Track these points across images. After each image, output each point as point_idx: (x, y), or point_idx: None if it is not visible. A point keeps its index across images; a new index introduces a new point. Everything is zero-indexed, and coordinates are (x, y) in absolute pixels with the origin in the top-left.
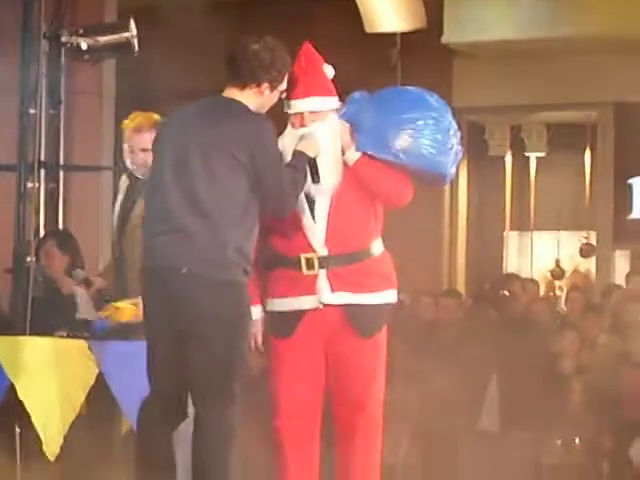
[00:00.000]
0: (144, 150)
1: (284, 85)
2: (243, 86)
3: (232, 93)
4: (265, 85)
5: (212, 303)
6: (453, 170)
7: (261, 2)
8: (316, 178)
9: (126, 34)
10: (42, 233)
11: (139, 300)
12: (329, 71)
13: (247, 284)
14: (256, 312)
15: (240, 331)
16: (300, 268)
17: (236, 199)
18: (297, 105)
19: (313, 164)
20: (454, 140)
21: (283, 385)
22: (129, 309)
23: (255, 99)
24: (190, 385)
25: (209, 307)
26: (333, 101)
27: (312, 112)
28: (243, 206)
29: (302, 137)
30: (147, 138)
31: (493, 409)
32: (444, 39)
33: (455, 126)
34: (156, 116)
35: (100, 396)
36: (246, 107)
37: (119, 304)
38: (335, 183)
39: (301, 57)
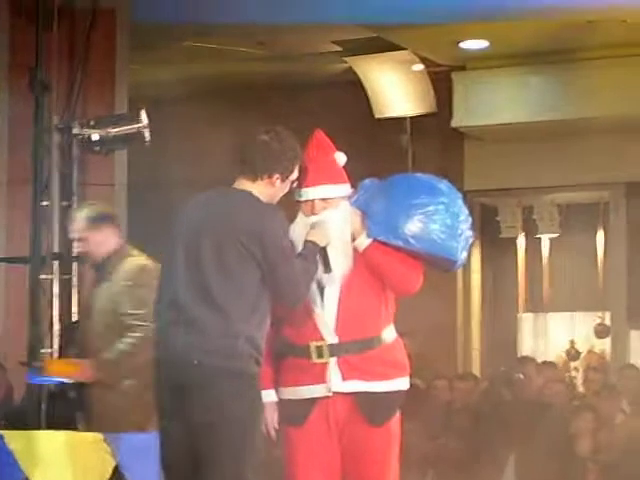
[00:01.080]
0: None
1: (295, 175)
2: (254, 178)
3: (243, 184)
4: (276, 176)
5: (224, 394)
6: (464, 255)
7: (269, 89)
8: (327, 268)
9: (137, 125)
10: (56, 324)
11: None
12: (340, 158)
13: (259, 374)
14: (269, 395)
15: (252, 422)
16: (310, 356)
17: (247, 291)
18: (308, 193)
19: (324, 254)
20: (464, 225)
21: (299, 473)
22: (59, 365)
23: (266, 190)
24: (204, 477)
25: (221, 398)
26: (344, 188)
27: (323, 199)
28: (254, 297)
29: (313, 225)
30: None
31: None
32: (454, 123)
33: (466, 211)
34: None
35: None
36: (257, 198)
37: (54, 359)
38: (345, 270)
39: (312, 145)
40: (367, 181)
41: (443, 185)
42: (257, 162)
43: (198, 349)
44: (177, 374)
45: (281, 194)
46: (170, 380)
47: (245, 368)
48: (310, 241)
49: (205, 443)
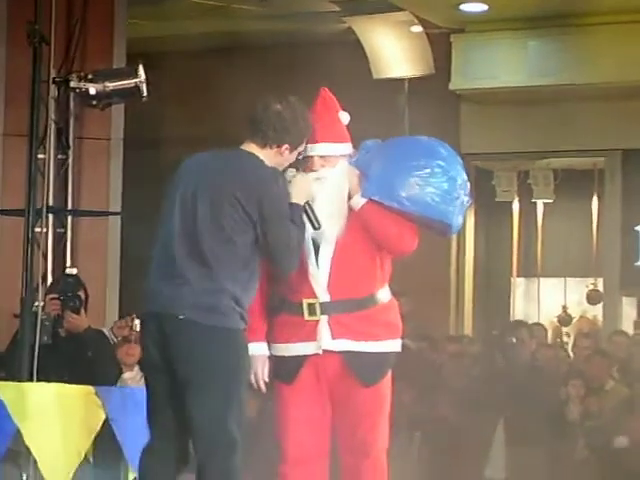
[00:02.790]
0: None
1: (303, 146)
2: (263, 145)
3: (251, 148)
4: (286, 146)
5: (208, 349)
6: (459, 220)
7: (268, 47)
8: (316, 224)
9: (135, 79)
10: (49, 278)
11: None
12: (345, 117)
13: (244, 330)
14: (260, 348)
15: (237, 377)
16: (302, 314)
17: (238, 250)
18: (309, 149)
19: (311, 211)
20: (461, 190)
21: (288, 430)
22: None
23: (274, 158)
24: (189, 430)
25: (205, 353)
26: (346, 147)
27: (322, 157)
28: (245, 258)
29: (292, 182)
30: None
31: (500, 456)
32: (451, 85)
33: (464, 176)
34: None
35: (107, 443)
36: (261, 161)
37: None
38: (340, 228)
39: (317, 102)
40: (369, 141)
41: (443, 148)
42: (269, 131)
43: (183, 304)
44: (163, 327)
45: (287, 163)
46: (157, 334)
47: (229, 323)
48: (294, 203)
49: (189, 396)
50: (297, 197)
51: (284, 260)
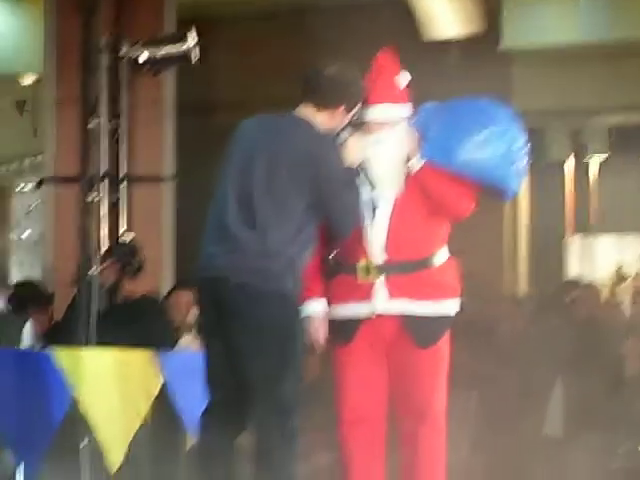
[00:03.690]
0: None
1: (358, 109)
2: (319, 108)
3: (306, 112)
4: (340, 109)
5: (263, 313)
6: (517, 185)
7: (319, 10)
8: (371, 186)
9: (186, 45)
10: (105, 244)
11: None
12: (405, 78)
13: (298, 294)
14: (318, 306)
15: (292, 340)
16: (357, 274)
17: (293, 215)
18: (368, 112)
19: (365, 173)
20: (519, 154)
21: (346, 392)
22: None
23: (329, 121)
24: (246, 396)
25: (260, 317)
26: (405, 109)
27: (382, 118)
28: (299, 223)
29: (347, 144)
30: None
31: (558, 414)
32: (503, 44)
33: (522, 140)
34: None
35: (165, 407)
36: (316, 127)
37: None
38: (398, 190)
39: (377, 64)
40: (427, 104)
41: (501, 111)
42: (324, 93)
43: (236, 268)
44: (218, 293)
45: (342, 126)
46: (211, 299)
47: (282, 287)
48: (348, 168)
49: (246, 362)
50: (351, 159)
51: (341, 223)
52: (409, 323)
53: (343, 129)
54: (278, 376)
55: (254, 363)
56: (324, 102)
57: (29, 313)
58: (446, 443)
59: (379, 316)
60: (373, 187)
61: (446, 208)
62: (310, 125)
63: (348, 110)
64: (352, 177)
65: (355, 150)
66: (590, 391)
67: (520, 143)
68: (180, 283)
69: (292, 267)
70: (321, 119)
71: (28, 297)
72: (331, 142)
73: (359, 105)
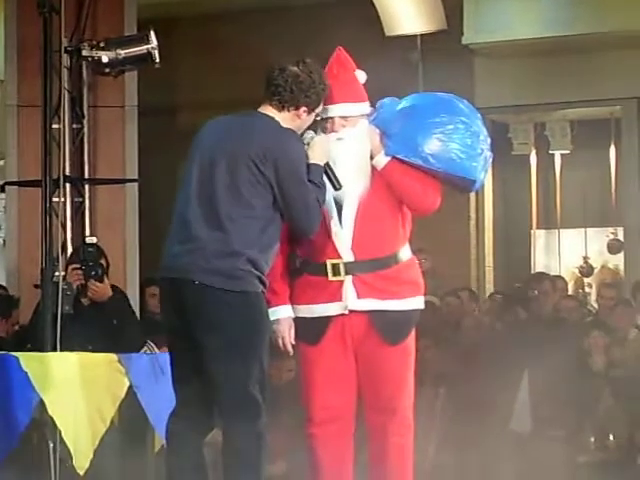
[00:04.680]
0: None
1: (321, 108)
2: (281, 108)
3: (268, 111)
4: (303, 108)
5: (225, 314)
6: (483, 175)
7: (279, 9)
8: (337, 185)
9: (147, 46)
10: (69, 247)
11: None
12: (361, 76)
13: (263, 292)
14: (286, 311)
15: (257, 340)
16: (326, 274)
17: (256, 213)
18: (329, 110)
19: (331, 172)
20: (484, 145)
21: (315, 392)
22: None
23: (292, 121)
24: (213, 394)
25: (223, 318)
26: (364, 107)
27: (343, 117)
28: (264, 221)
29: (310, 145)
30: None
31: (524, 409)
32: (464, 40)
33: (485, 131)
34: None
35: (133, 410)
36: (277, 123)
37: None
38: (363, 188)
39: (333, 62)
40: (386, 100)
41: (463, 104)
42: (285, 93)
43: (197, 269)
44: (181, 293)
45: (305, 126)
46: (175, 299)
47: (245, 287)
48: (314, 164)
49: (211, 361)
50: (317, 158)
51: (304, 221)
52: (377, 320)
53: (308, 128)
54: (243, 377)
55: (219, 363)
56: (286, 102)
57: None
58: (414, 439)
59: (348, 314)
60: (339, 186)
61: (413, 202)
62: (271, 120)
63: (310, 110)
64: (316, 175)
65: (321, 149)
66: (556, 385)
67: (485, 134)
68: (151, 279)
69: (255, 266)
70: (283, 118)
71: None
72: (293, 139)
73: (322, 105)
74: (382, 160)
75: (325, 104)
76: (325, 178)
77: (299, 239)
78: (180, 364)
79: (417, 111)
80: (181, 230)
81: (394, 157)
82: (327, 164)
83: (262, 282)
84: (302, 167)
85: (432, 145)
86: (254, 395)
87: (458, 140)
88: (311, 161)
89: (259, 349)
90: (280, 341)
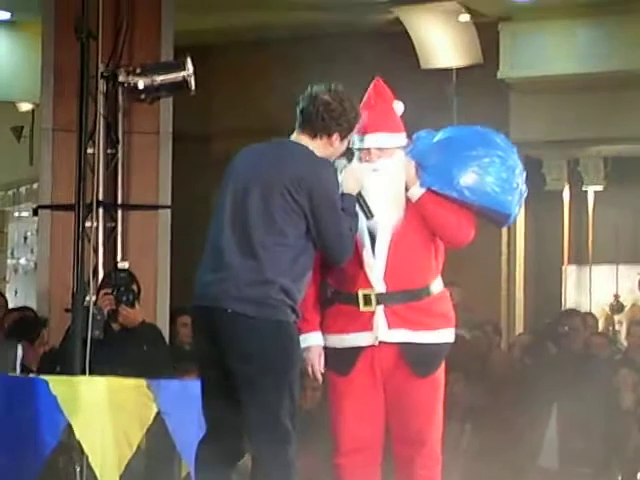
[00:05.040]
0: None
1: (353, 136)
2: (314, 135)
3: (301, 139)
4: (335, 136)
5: (258, 342)
6: (517, 210)
7: (316, 38)
8: (369, 214)
9: (183, 73)
10: (100, 272)
11: None
12: (399, 107)
13: (295, 322)
14: (316, 338)
15: (288, 369)
16: (358, 304)
17: (290, 242)
18: (365, 141)
19: (363, 201)
20: (519, 179)
21: (343, 422)
22: None
23: (324, 149)
24: (243, 423)
25: (254, 346)
26: (401, 138)
27: (379, 148)
28: (297, 249)
29: (345, 172)
30: None
31: (553, 445)
32: (500, 74)
33: (520, 165)
34: None
35: (160, 436)
36: (311, 151)
37: None
38: (397, 219)
39: (372, 92)
40: (422, 132)
41: (499, 138)
42: (317, 121)
43: (230, 297)
44: (213, 322)
45: (338, 153)
46: (207, 328)
47: (278, 316)
48: (346, 194)
49: (242, 390)
50: (349, 187)
51: (336, 250)
52: (407, 352)
53: (340, 157)
54: (274, 406)
55: (250, 391)
56: (318, 129)
57: (22, 340)
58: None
59: (378, 345)
60: (371, 216)
61: (448, 235)
62: (304, 149)
63: (343, 137)
64: (349, 204)
65: (353, 178)
66: (585, 422)
67: (520, 168)
68: (182, 308)
69: (288, 295)
70: (316, 146)
71: (21, 324)
72: (327, 168)
73: (354, 132)
74: (417, 192)
75: (361, 134)
76: (358, 207)
77: (331, 269)
78: (211, 391)
79: (453, 143)
80: (214, 258)
81: (429, 189)
82: (359, 193)
83: (295, 312)
84: (336, 196)
85: (468, 178)
86: (285, 423)
87: (494, 173)
88: (344, 190)
89: (290, 378)
90: (310, 369)
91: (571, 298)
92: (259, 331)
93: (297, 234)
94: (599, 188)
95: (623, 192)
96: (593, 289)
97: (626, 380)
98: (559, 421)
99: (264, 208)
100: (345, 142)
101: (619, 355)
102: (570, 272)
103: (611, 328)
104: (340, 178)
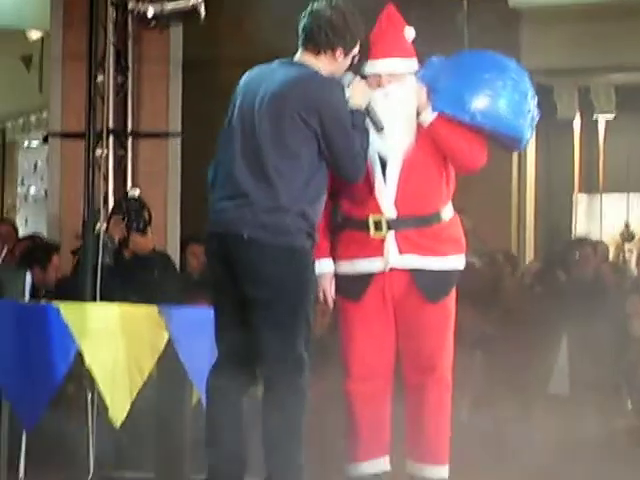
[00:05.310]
0: None
1: (357, 50)
2: (317, 52)
3: (305, 58)
4: (339, 51)
5: (273, 269)
6: (529, 134)
7: None
8: (378, 127)
9: (193, 1)
10: (111, 200)
11: None
12: (410, 33)
13: (312, 248)
14: (327, 265)
15: (303, 296)
16: (368, 230)
17: (303, 165)
18: (376, 66)
19: (372, 113)
20: (531, 104)
21: (354, 348)
22: None
23: (329, 65)
24: (256, 350)
25: (270, 272)
26: (412, 63)
27: (391, 74)
28: (310, 172)
29: (351, 87)
30: None
31: (563, 372)
32: (511, 2)
33: (532, 90)
34: None
35: (171, 363)
36: (316, 72)
37: None
38: (408, 145)
39: (383, 18)
40: (434, 58)
41: (512, 63)
42: (321, 37)
43: (247, 223)
44: (228, 248)
45: (343, 69)
46: (222, 254)
47: (294, 242)
48: (356, 110)
49: (257, 316)
50: (357, 101)
51: (350, 169)
52: (419, 278)
53: (345, 72)
54: (289, 332)
55: (265, 319)
56: (321, 46)
57: (33, 267)
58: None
59: (390, 272)
60: (381, 127)
61: (459, 160)
62: (312, 72)
63: (347, 52)
64: (359, 120)
65: (361, 91)
66: (596, 349)
67: (532, 92)
68: (193, 237)
69: (306, 220)
70: (320, 64)
71: (32, 251)
72: (335, 87)
73: (357, 47)
74: (429, 117)
75: (372, 59)
76: (367, 120)
77: (341, 195)
78: (224, 318)
79: (465, 68)
80: (227, 185)
81: (441, 114)
82: (368, 105)
83: (311, 237)
84: (346, 115)
85: (480, 102)
86: (299, 349)
87: (506, 97)
88: (352, 105)
89: (305, 305)
90: (321, 294)
91: (582, 226)
92: (273, 258)
93: (309, 156)
94: (610, 117)
95: (634, 121)
96: (604, 217)
97: (636, 307)
98: (569, 348)
99: (275, 132)
100: (349, 58)
101: (629, 283)
102: (581, 200)
103: (622, 256)
104: (347, 93)
